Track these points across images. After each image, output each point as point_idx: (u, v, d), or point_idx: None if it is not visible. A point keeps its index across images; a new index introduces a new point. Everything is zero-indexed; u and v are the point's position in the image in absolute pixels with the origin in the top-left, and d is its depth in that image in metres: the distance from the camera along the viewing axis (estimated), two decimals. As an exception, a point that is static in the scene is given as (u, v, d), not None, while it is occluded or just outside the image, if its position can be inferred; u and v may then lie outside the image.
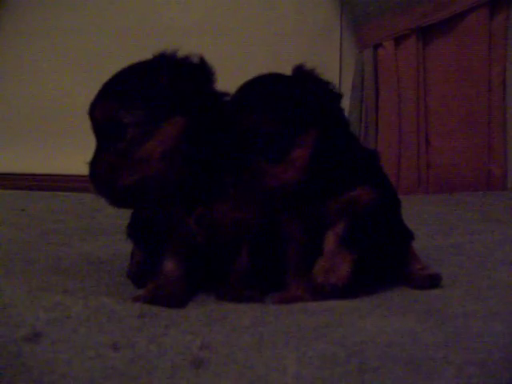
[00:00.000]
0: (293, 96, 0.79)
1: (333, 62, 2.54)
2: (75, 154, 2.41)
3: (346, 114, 2.26)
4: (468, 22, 2.38)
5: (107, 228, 1.53)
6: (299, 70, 0.84)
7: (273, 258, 0.86)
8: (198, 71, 0.79)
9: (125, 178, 0.75)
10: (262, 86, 0.82)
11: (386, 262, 0.88)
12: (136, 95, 0.76)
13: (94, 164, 0.77)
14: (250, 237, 0.84)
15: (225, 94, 0.82)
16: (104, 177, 0.76)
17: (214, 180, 0.80)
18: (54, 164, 2.57)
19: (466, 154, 2.45)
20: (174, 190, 0.79)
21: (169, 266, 0.82)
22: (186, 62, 0.79)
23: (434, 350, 0.59)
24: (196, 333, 0.63)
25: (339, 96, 0.84)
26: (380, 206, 0.82)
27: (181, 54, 0.81)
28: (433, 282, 0.89)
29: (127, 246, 1.03)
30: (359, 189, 0.81)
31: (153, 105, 0.76)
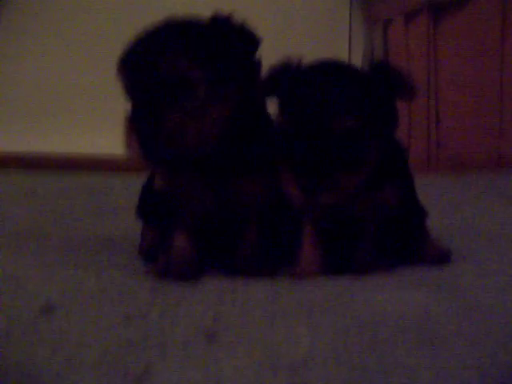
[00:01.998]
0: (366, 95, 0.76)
1: (342, 38, 2.51)
2: (85, 133, 2.43)
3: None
4: (480, -2, 2.33)
5: (118, 207, 1.54)
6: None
7: (283, 232, 0.86)
8: (251, 37, 0.76)
9: (192, 138, 0.71)
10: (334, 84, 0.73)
11: (401, 243, 0.88)
12: (207, 53, 0.72)
13: (156, 123, 0.70)
14: (261, 210, 0.83)
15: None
16: (171, 136, 0.70)
17: (239, 153, 0.79)
18: (64, 143, 2.57)
19: (477, 133, 2.42)
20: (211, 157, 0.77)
21: (180, 239, 0.81)
22: (243, 26, 0.76)
23: (445, 322, 0.59)
24: (208, 306, 0.63)
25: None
26: (406, 207, 0.83)
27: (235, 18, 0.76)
28: (443, 257, 0.89)
29: (138, 225, 1.03)
30: (387, 188, 0.80)
31: (221, 65, 0.72)
